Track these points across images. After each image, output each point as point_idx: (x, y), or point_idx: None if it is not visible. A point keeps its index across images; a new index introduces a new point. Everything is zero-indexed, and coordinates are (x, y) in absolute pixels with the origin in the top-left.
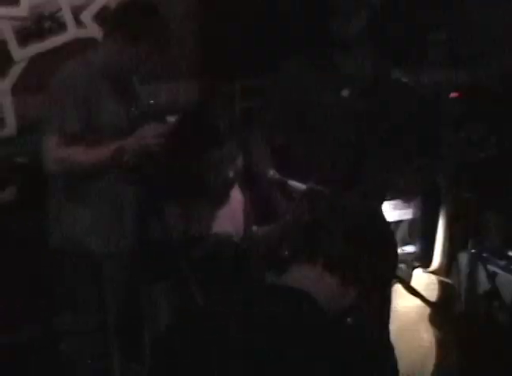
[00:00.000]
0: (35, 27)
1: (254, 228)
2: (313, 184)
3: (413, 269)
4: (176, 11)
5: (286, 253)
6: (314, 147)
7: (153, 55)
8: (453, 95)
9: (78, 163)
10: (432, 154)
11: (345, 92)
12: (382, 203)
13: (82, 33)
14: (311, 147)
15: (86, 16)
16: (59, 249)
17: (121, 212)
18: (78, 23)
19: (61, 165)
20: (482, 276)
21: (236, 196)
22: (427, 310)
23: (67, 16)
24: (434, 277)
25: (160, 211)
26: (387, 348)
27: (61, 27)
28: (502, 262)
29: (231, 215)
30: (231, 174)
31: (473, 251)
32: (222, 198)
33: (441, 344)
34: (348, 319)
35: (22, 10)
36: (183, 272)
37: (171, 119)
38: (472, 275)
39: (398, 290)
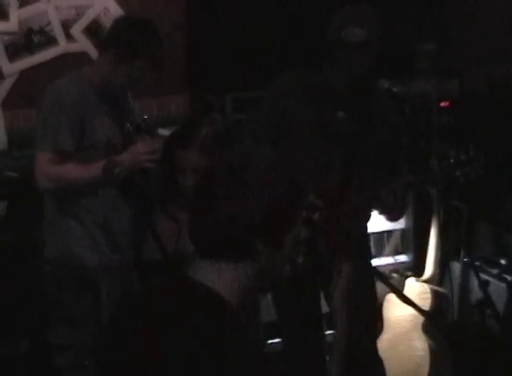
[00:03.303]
0: (25, 42)
1: None
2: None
3: (406, 279)
4: (166, 25)
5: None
6: (302, 162)
7: (148, 71)
8: (444, 104)
9: (70, 180)
10: (422, 168)
11: (340, 114)
12: (369, 217)
13: (72, 47)
14: (299, 162)
15: (76, 30)
16: (52, 262)
17: (114, 225)
18: (68, 37)
19: (53, 183)
20: (474, 284)
21: None
22: (421, 319)
23: (57, 30)
24: (426, 286)
25: (152, 224)
26: None
27: (51, 41)
28: (495, 271)
29: None
30: None
31: (465, 259)
32: None
33: (435, 352)
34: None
35: (11, 25)
36: None
37: (164, 132)
38: (464, 284)
39: (391, 299)
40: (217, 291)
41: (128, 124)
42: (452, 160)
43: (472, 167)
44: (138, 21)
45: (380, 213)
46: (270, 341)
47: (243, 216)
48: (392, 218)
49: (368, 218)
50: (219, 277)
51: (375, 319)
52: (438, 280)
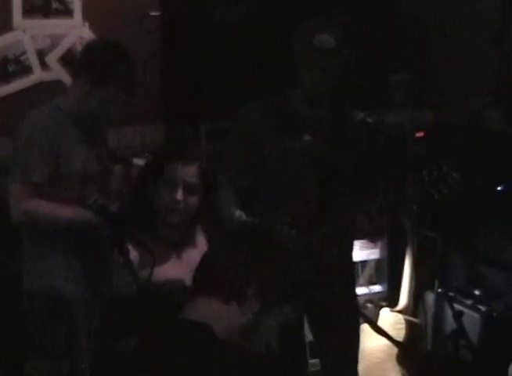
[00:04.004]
0: (0, 70)
1: None
2: (281, 224)
3: (380, 309)
4: (142, 53)
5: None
6: (279, 189)
7: (121, 94)
8: (419, 134)
9: (45, 217)
10: (396, 194)
11: (307, 137)
12: (351, 242)
13: (48, 76)
14: (276, 188)
15: (52, 59)
16: (29, 293)
17: (91, 257)
18: (43, 66)
19: (28, 217)
20: (448, 315)
21: (197, 241)
22: (395, 350)
23: (32, 59)
24: (401, 317)
25: (126, 256)
26: None
27: (26, 70)
28: (469, 301)
29: (188, 262)
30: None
31: (439, 290)
32: (185, 241)
33: None
34: None
35: None
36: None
37: (139, 161)
38: (438, 314)
39: (365, 329)
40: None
41: (104, 153)
42: (426, 178)
43: (446, 183)
44: (109, 43)
45: (358, 238)
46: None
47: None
48: (370, 241)
49: (351, 247)
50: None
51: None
52: (412, 310)
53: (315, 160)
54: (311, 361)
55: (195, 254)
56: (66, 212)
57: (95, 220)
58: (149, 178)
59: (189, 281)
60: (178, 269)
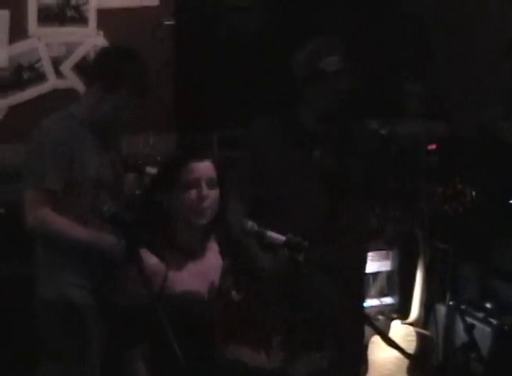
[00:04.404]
0: (14, 78)
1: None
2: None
3: (392, 321)
4: (155, 62)
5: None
6: (289, 200)
7: (134, 98)
8: (431, 146)
9: (59, 233)
10: (408, 206)
11: (316, 153)
12: (363, 253)
13: (62, 84)
14: (287, 200)
15: (66, 67)
16: (42, 298)
17: (104, 265)
18: (58, 73)
19: (41, 226)
20: (460, 328)
21: (212, 250)
22: (405, 362)
23: (47, 67)
24: (412, 329)
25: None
26: None
27: (40, 77)
28: (480, 314)
29: (204, 271)
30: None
31: (451, 303)
32: (201, 250)
33: None
34: None
35: (1, 60)
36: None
37: (152, 170)
38: (450, 327)
39: (376, 341)
40: None
41: (118, 160)
42: (439, 197)
43: (460, 201)
44: (120, 49)
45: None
46: None
47: None
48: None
49: (364, 259)
50: None
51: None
52: (423, 322)
53: (325, 174)
54: None
55: (211, 264)
56: (80, 233)
57: (108, 244)
58: (163, 184)
59: (205, 292)
60: (195, 279)
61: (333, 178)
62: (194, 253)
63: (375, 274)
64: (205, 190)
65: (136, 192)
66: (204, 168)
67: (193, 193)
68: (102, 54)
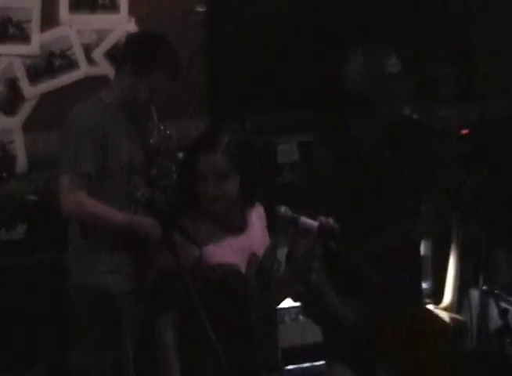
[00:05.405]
0: (46, 65)
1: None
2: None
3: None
4: (188, 48)
5: None
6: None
7: (166, 81)
8: (464, 131)
9: (95, 217)
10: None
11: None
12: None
13: (93, 71)
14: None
15: (98, 54)
16: (76, 286)
17: (137, 250)
18: (90, 60)
19: (77, 209)
20: (494, 312)
21: (258, 225)
22: None
23: (79, 54)
24: (445, 314)
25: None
26: None
27: (72, 64)
28: None
29: (247, 246)
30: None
31: (484, 287)
32: (236, 226)
33: None
34: None
35: (33, 48)
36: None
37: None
38: (483, 312)
39: None
40: None
41: (149, 145)
42: (468, 186)
43: (488, 191)
44: (149, 34)
45: None
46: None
47: None
48: None
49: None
50: None
51: None
52: (456, 307)
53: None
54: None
55: (255, 238)
56: (117, 215)
57: (146, 226)
58: (187, 170)
59: (243, 267)
60: (231, 253)
61: (388, 172)
62: (234, 228)
63: None
64: (211, 185)
65: (166, 176)
66: (213, 161)
67: (203, 185)
68: (133, 38)
